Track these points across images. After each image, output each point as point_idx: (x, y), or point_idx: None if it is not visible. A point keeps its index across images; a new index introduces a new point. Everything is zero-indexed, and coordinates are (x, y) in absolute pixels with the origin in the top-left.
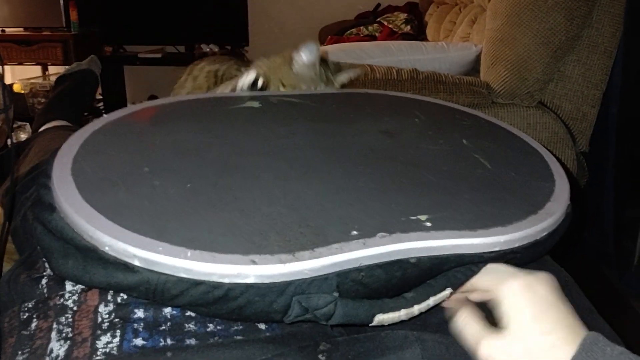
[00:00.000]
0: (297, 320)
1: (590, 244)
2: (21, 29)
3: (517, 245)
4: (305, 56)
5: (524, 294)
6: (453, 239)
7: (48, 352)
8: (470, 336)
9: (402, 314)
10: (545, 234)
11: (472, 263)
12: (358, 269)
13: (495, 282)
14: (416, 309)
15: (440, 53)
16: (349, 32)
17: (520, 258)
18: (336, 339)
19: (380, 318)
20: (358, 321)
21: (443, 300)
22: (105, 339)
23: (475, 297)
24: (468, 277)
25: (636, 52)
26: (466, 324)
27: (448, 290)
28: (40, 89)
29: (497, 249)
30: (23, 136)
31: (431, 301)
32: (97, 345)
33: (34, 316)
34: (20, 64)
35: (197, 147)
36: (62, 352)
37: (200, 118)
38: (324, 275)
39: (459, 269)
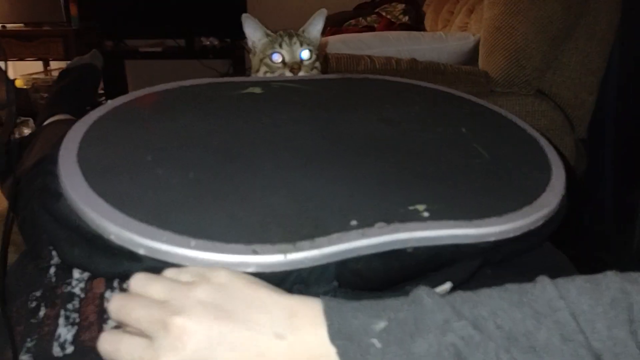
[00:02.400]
0: None
1: (589, 230)
2: (22, 25)
3: (511, 235)
4: None
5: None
6: (450, 229)
7: (56, 337)
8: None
9: None
10: (539, 224)
11: (470, 257)
12: (356, 259)
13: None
14: None
15: (438, 43)
16: (347, 23)
17: (516, 248)
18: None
19: None
20: None
21: (444, 295)
22: (112, 322)
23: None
24: (468, 272)
25: (634, 38)
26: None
27: (448, 284)
28: (42, 84)
29: (492, 239)
30: (26, 131)
31: None
32: (104, 329)
33: (42, 304)
34: (21, 59)
35: (199, 135)
36: (69, 336)
37: (202, 104)
38: (324, 264)
39: (458, 265)
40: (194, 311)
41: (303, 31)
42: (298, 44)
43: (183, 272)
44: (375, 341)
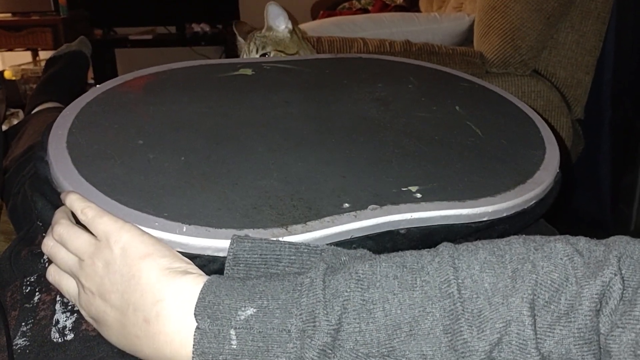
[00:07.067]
0: None
1: (586, 211)
2: (9, 15)
3: (504, 214)
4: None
5: None
6: (442, 209)
7: (54, 322)
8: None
9: None
10: (532, 203)
11: (463, 237)
12: (349, 241)
13: None
14: None
15: (433, 24)
16: (341, 6)
17: (509, 227)
18: None
19: None
20: None
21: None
22: None
23: None
24: None
25: (629, 17)
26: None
27: None
28: (32, 74)
29: (485, 218)
30: (15, 122)
31: None
32: None
33: (37, 289)
34: (9, 50)
35: (190, 118)
36: (69, 324)
37: (193, 87)
38: None
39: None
40: (90, 285)
41: (270, 28)
42: (254, 50)
43: (95, 224)
44: (233, 334)
